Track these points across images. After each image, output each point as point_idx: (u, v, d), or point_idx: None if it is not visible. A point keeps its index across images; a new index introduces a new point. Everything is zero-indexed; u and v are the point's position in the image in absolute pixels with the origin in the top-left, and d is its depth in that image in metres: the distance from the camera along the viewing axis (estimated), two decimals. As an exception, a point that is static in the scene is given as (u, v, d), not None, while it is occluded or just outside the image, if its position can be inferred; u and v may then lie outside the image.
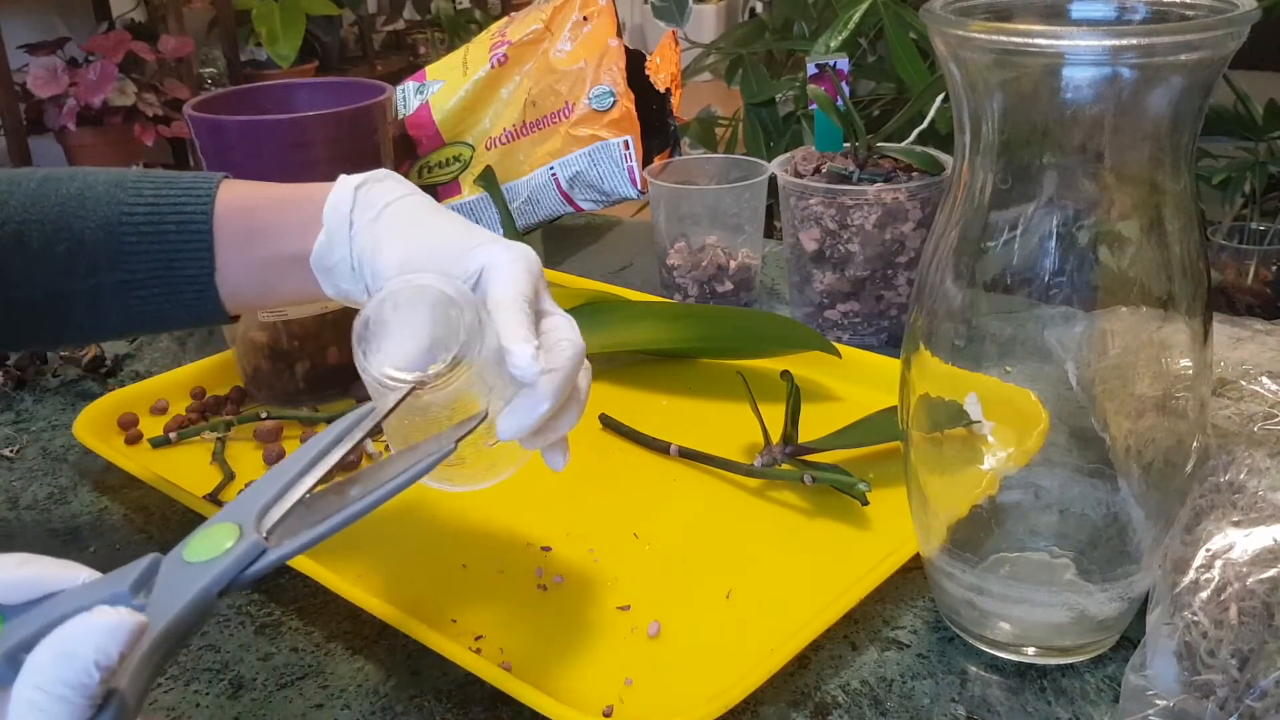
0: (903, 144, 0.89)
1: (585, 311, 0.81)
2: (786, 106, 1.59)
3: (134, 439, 0.78)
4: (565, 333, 0.52)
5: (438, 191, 1.10)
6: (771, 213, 1.29)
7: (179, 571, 0.39)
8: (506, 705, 0.53)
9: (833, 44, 1.35)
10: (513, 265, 0.52)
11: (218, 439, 0.76)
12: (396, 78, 1.13)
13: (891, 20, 1.35)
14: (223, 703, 0.55)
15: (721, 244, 0.94)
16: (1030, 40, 0.43)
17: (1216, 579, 0.48)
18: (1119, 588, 0.52)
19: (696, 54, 1.81)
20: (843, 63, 0.91)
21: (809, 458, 0.69)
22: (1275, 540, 0.48)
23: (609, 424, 0.77)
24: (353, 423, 0.45)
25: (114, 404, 0.80)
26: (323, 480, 0.43)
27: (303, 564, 0.60)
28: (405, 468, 0.44)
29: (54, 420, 0.83)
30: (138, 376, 0.89)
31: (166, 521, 0.70)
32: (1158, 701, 0.47)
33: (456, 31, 3.78)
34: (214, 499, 0.70)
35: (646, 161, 1.06)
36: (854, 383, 0.80)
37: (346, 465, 0.73)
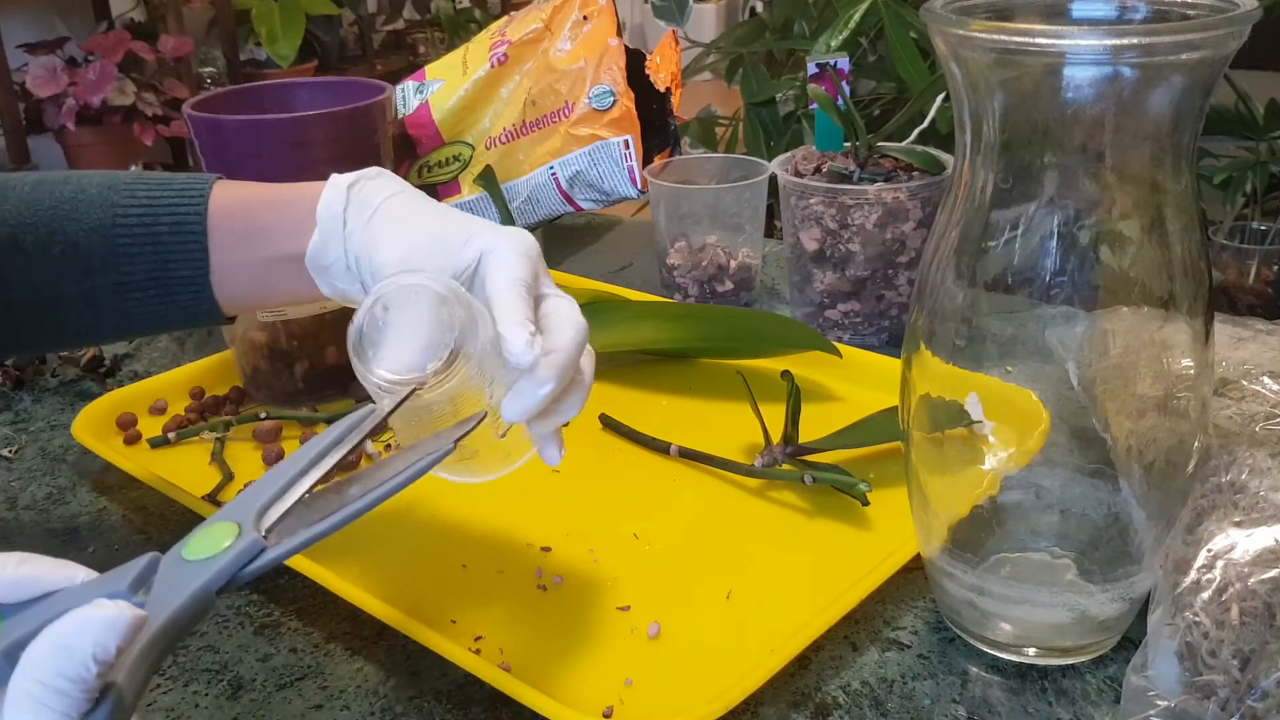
0: (903, 143, 0.88)
1: (585, 311, 0.80)
2: (787, 106, 1.59)
3: (133, 439, 0.77)
4: (566, 314, 0.52)
5: (438, 191, 1.10)
6: (772, 212, 1.28)
7: (178, 569, 0.39)
8: (506, 706, 0.53)
9: (833, 43, 1.35)
10: (509, 251, 0.52)
11: (217, 439, 0.76)
12: (396, 77, 1.13)
13: (892, 19, 1.35)
14: (222, 703, 0.55)
15: (722, 244, 0.94)
16: (1031, 40, 0.43)
17: (1218, 579, 0.48)
18: (1120, 588, 0.52)
19: (697, 53, 1.81)
20: (843, 62, 0.91)
21: (809, 458, 0.68)
22: (1277, 540, 0.48)
23: (609, 424, 0.76)
24: (353, 424, 0.45)
25: (113, 404, 0.80)
26: (322, 480, 0.43)
27: (302, 564, 0.60)
28: (404, 467, 0.44)
29: (53, 420, 0.83)
30: (136, 376, 0.89)
31: (165, 522, 0.70)
32: (1159, 702, 0.47)
33: (456, 31, 3.77)
34: (213, 499, 0.70)
35: (646, 161, 1.06)
36: (854, 383, 0.80)
37: (346, 465, 0.73)
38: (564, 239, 1.20)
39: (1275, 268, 1.27)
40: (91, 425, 0.76)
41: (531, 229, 1.10)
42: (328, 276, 0.57)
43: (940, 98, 0.94)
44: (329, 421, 0.78)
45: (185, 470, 0.73)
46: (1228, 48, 0.43)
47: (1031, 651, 0.54)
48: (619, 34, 1.08)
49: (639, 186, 1.06)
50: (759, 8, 2.06)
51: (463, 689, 0.55)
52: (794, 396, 0.69)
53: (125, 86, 2.73)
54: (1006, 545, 0.54)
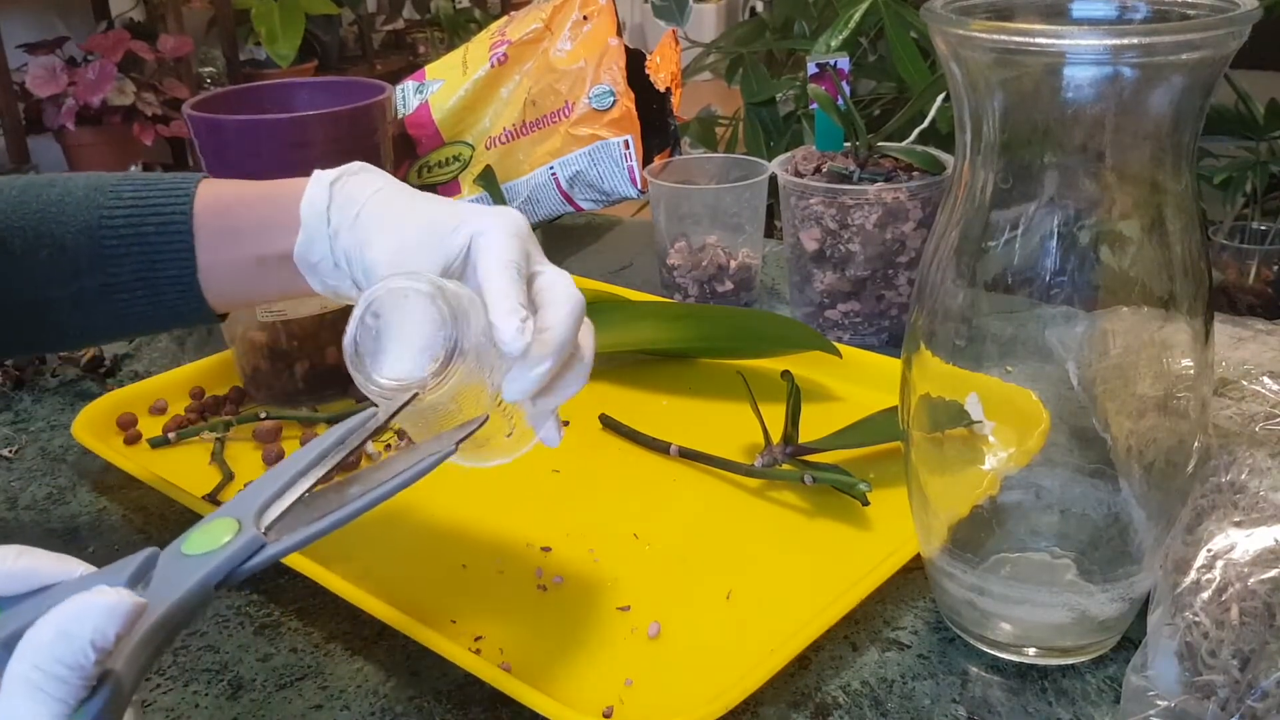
0: (903, 143, 0.88)
1: (585, 312, 0.81)
2: (787, 106, 1.59)
3: (133, 439, 0.77)
4: (560, 289, 0.52)
5: (437, 191, 1.10)
6: (772, 212, 1.28)
7: (177, 564, 0.39)
8: (506, 706, 0.53)
9: (833, 43, 1.35)
10: (498, 232, 0.52)
11: (217, 439, 0.76)
12: (396, 77, 1.13)
13: (892, 19, 1.35)
14: (222, 703, 0.55)
15: (722, 244, 0.94)
16: (1031, 39, 0.43)
17: (1218, 579, 0.48)
18: (1120, 588, 0.52)
19: (697, 53, 1.81)
20: (843, 62, 0.91)
21: (809, 458, 0.68)
22: (1276, 540, 0.48)
23: (609, 424, 0.76)
24: (355, 426, 0.45)
25: (113, 404, 0.80)
26: (322, 481, 0.43)
27: (302, 564, 0.60)
28: (404, 468, 0.44)
29: (53, 420, 0.83)
30: (136, 376, 0.89)
31: (165, 521, 0.70)
32: (1159, 702, 0.47)
33: (456, 31, 3.78)
34: (213, 499, 0.70)
35: (646, 161, 1.06)
36: (854, 383, 0.80)
37: (346, 466, 0.73)
38: (564, 239, 1.20)
39: (1275, 268, 1.27)
40: (91, 425, 0.76)
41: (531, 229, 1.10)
42: (317, 274, 0.57)
43: (940, 98, 0.94)
44: (329, 422, 0.78)
45: (185, 470, 0.73)
46: (1228, 48, 0.43)
47: (1031, 651, 0.54)
48: (619, 34, 1.08)
49: (639, 186, 1.06)
50: (759, 8, 2.06)
51: (463, 689, 0.55)
52: (794, 396, 0.69)
53: (125, 86, 2.73)
54: (1006, 545, 0.54)
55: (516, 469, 0.72)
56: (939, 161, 0.85)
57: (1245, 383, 0.59)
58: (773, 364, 0.80)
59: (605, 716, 0.51)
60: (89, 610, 0.34)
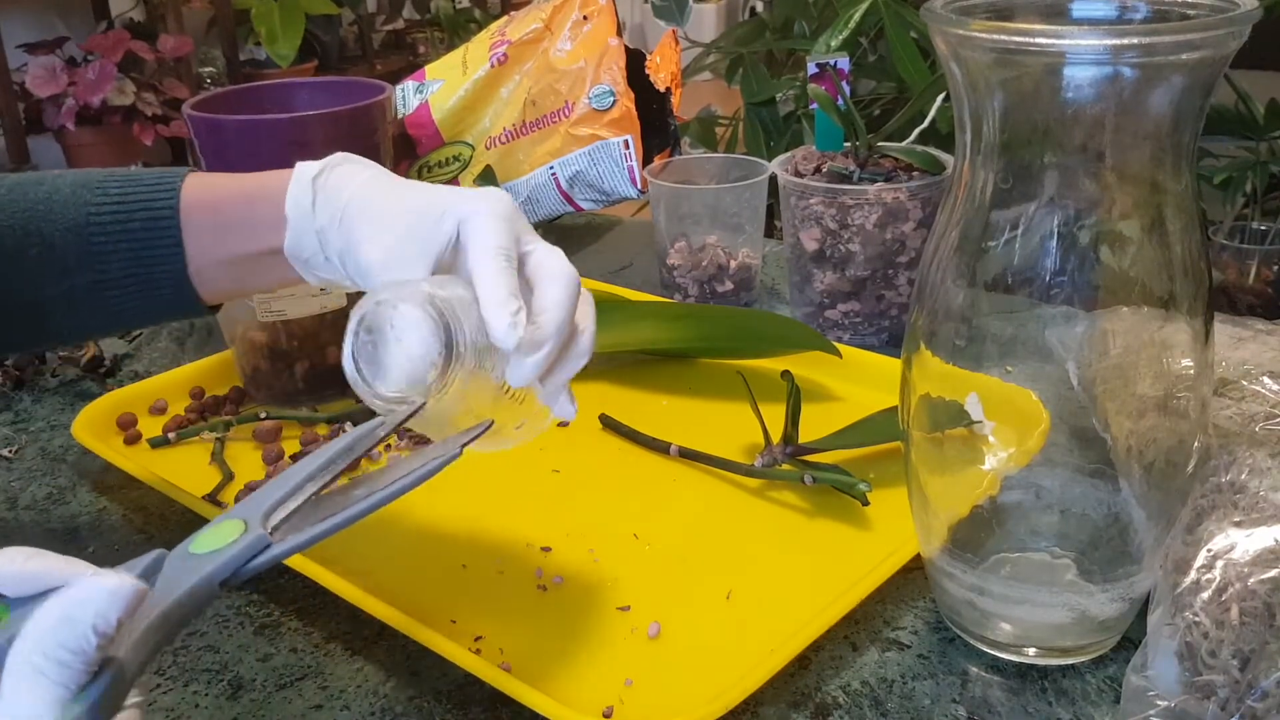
0: (903, 143, 0.88)
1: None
2: (787, 106, 1.59)
3: (133, 439, 0.77)
4: (553, 266, 0.52)
5: (437, 191, 1.09)
6: (772, 212, 1.28)
7: (184, 563, 0.39)
8: (506, 706, 0.53)
9: (833, 43, 1.35)
10: (485, 217, 0.51)
11: (217, 439, 0.76)
12: (396, 77, 1.13)
13: (892, 19, 1.35)
14: (222, 703, 0.55)
15: (722, 244, 0.94)
16: (1031, 39, 0.43)
17: (1218, 579, 0.48)
18: (1120, 588, 0.52)
19: (697, 53, 1.81)
20: (843, 62, 0.91)
21: (809, 458, 0.68)
22: (1276, 540, 0.48)
23: (609, 424, 0.76)
24: (363, 434, 0.45)
25: (113, 404, 0.80)
26: (327, 486, 0.43)
27: (303, 564, 0.60)
28: (409, 471, 0.44)
29: (53, 420, 0.83)
30: (136, 376, 0.89)
31: (165, 521, 0.70)
32: (1159, 702, 0.47)
33: (456, 31, 3.77)
34: (213, 499, 0.70)
35: (646, 161, 1.06)
36: (854, 383, 0.80)
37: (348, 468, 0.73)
38: (564, 239, 1.19)
39: (1275, 268, 1.27)
40: (91, 425, 0.76)
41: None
42: (309, 269, 0.57)
43: (940, 98, 0.94)
44: (329, 422, 0.78)
45: (185, 470, 0.73)
46: (1228, 48, 0.43)
47: (1031, 651, 0.54)
48: (619, 34, 1.08)
49: (639, 186, 1.06)
50: (759, 8, 2.06)
51: (463, 689, 0.55)
52: (794, 396, 0.69)
53: (125, 86, 2.73)
54: (1006, 545, 0.54)
55: (517, 469, 0.72)
56: (939, 161, 0.85)
57: (1245, 383, 0.59)
58: (773, 364, 0.80)
59: (605, 716, 0.51)
60: (92, 594, 0.34)
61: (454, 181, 1.10)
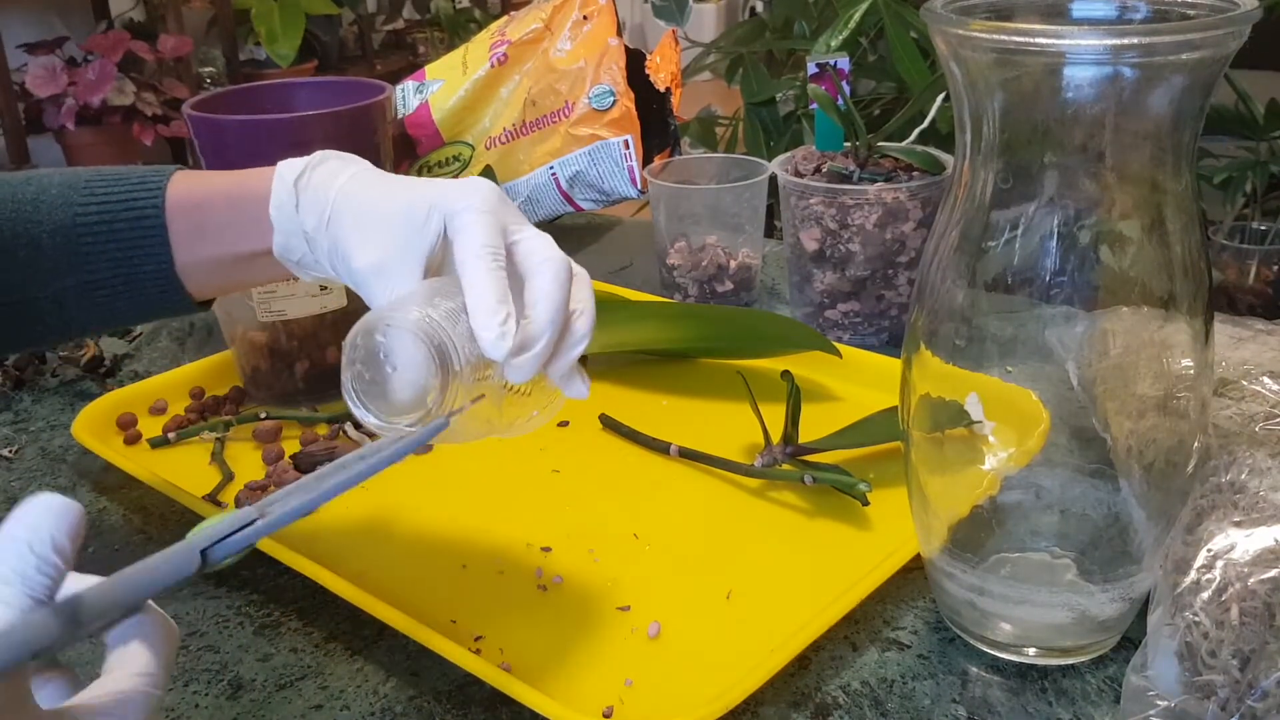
0: (903, 143, 0.88)
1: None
2: (787, 106, 1.59)
3: (133, 439, 0.77)
4: (542, 254, 0.51)
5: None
6: (772, 212, 1.28)
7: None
8: (506, 706, 0.53)
9: (833, 43, 1.35)
10: (470, 214, 0.51)
11: (217, 439, 0.76)
12: (396, 77, 1.13)
13: (892, 19, 1.35)
14: (222, 703, 0.55)
15: (722, 244, 0.94)
16: (1031, 39, 0.43)
17: (1218, 579, 0.48)
18: (1120, 588, 0.52)
19: (696, 53, 1.81)
20: (843, 62, 0.91)
21: (809, 458, 0.68)
22: (1276, 540, 0.48)
23: (609, 424, 0.76)
24: (379, 448, 0.45)
25: (113, 404, 0.80)
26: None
27: (302, 564, 0.60)
28: (397, 439, 0.43)
29: (53, 420, 0.83)
30: (136, 376, 0.89)
31: (165, 522, 0.70)
32: (1159, 702, 0.47)
33: (456, 31, 3.77)
34: (213, 499, 0.70)
35: (646, 161, 1.06)
36: (854, 383, 0.80)
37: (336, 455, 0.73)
38: (564, 239, 1.19)
39: (1275, 268, 1.27)
40: (91, 425, 0.76)
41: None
42: (302, 269, 0.57)
43: (940, 98, 0.94)
44: (329, 422, 0.78)
45: (185, 470, 0.73)
46: (1228, 48, 0.43)
47: (1031, 651, 0.54)
48: (619, 34, 1.08)
49: (639, 186, 1.06)
50: (759, 8, 2.06)
51: (463, 689, 0.55)
52: (794, 396, 0.69)
53: (125, 86, 2.73)
54: (1006, 545, 0.54)
55: (517, 469, 0.72)
56: (939, 161, 0.85)
57: (1245, 383, 0.59)
58: (773, 364, 0.80)
59: (605, 716, 0.51)
60: (27, 511, 0.35)
61: (454, 181, 1.10)
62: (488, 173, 1.05)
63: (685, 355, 0.86)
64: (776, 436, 0.70)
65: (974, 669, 0.55)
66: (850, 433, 0.70)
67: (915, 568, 0.59)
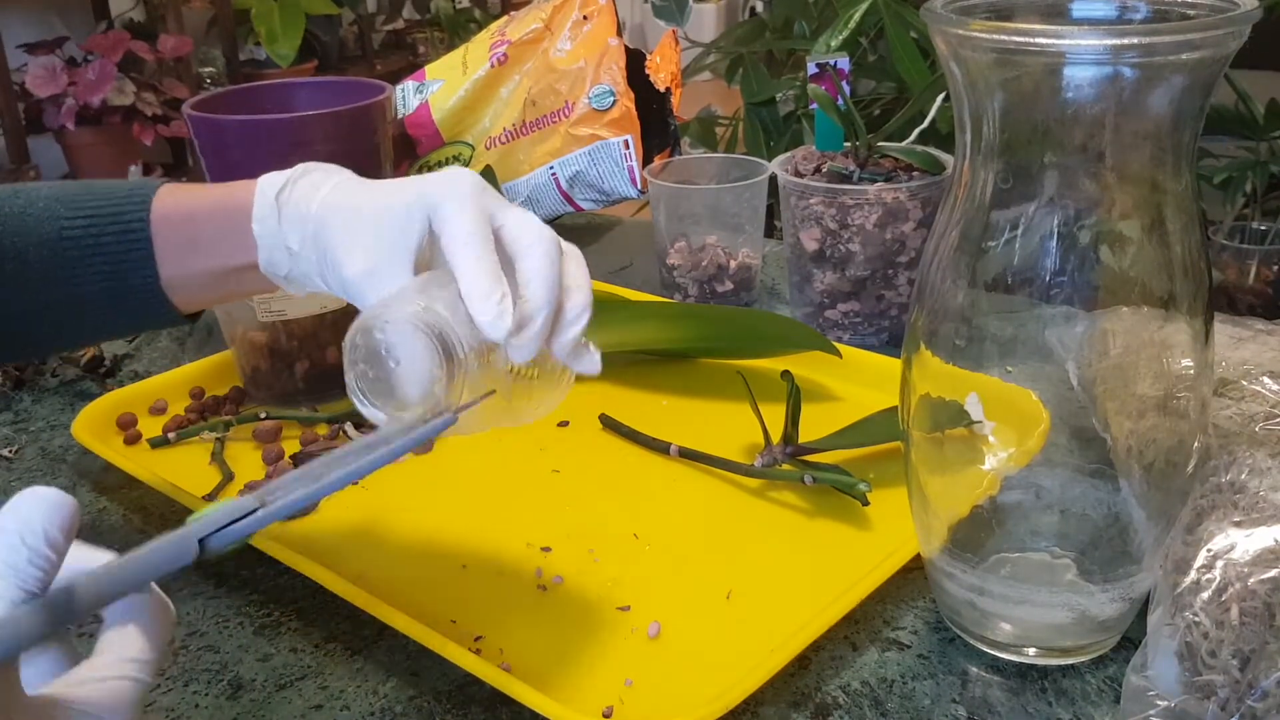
0: (903, 143, 0.88)
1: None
2: (787, 106, 1.59)
3: (133, 439, 0.77)
4: (527, 234, 0.51)
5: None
6: (772, 212, 1.28)
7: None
8: (506, 706, 0.53)
9: (833, 43, 1.35)
10: (452, 204, 0.50)
11: (217, 439, 0.76)
12: (396, 77, 1.13)
13: (892, 19, 1.35)
14: (221, 704, 0.55)
15: (721, 244, 0.94)
16: (1031, 39, 0.43)
17: (1218, 579, 0.48)
18: (1120, 588, 0.52)
19: (696, 53, 1.81)
20: (843, 62, 0.91)
21: (809, 458, 0.68)
22: (1276, 540, 0.48)
23: (609, 424, 0.76)
24: (386, 439, 0.44)
25: (113, 404, 0.80)
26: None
27: (302, 564, 0.60)
28: (402, 432, 0.43)
29: (53, 420, 0.83)
30: (136, 376, 0.89)
31: (165, 522, 0.70)
32: (1159, 702, 0.47)
33: (456, 31, 3.77)
34: (213, 499, 0.70)
35: (646, 161, 1.06)
36: (854, 383, 0.80)
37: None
38: (564, 239, 1.19)
39: (1275, 268, 1.27)
40: (91, 425, 0.76)
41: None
42: (289, 284, 0.56)
43: (940, 98, 0.95)
44: (329, 422, 0.78)
45: (185, 470, 0.73)
46: (1228, 48, 0.43)
47: (1031, 651, 0.54)
48: (619, 34, 1.08)
49: (639, 186, 1.06)
50: (759, 8, 2.06)
51: (463, 689, 0.55)
52: (794, 396, 0.69)
53: (125, 86, 2.73)
54: (1006, 545, 0.54)
55: (517, 469, 0.72)
56: (939, 161, 0.85)
57: (1245, 383, 0.59)
58: (773, 364, 0.80)
59: (605, 716, 0.51)
60: (18, 502, 0.35)
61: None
62: (488, 172, 1.05)
63: (685, 355, 0.86)
64: (776, 436, 0.70)
65: (974, 669, 0.55)
66: (850, 433, 0.70)
67: (915, 568, 0.59)
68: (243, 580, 0.64)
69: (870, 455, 0.70)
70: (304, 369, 0.80)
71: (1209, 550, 0.49)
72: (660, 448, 0.73)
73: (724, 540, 0.65)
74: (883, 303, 0.86)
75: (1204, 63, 0.43)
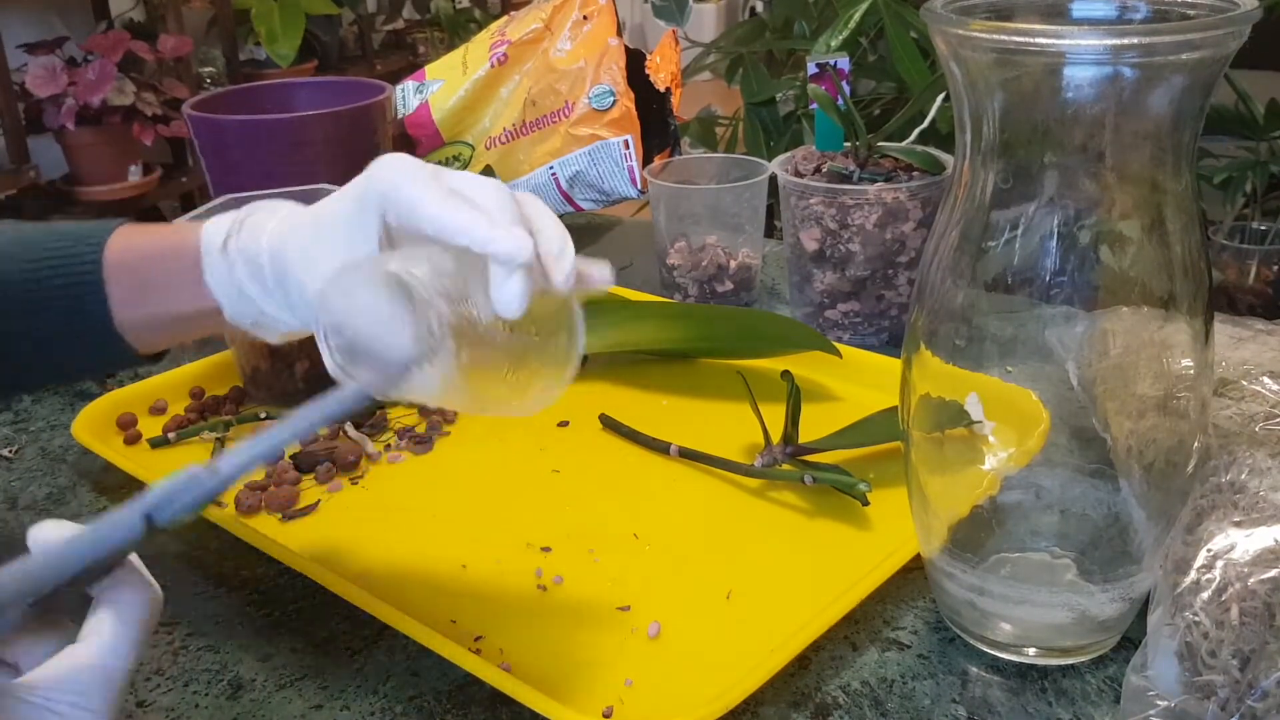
0: (903, 143, 0.88)
1: (585, 311, 0.80)
2: (787, 106, 1.59)
3: (133, 439, 0.77)
4: (474, 189, 0.49)
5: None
6: (772, 212, 1.28)
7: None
8: (506, 706, 0.53)
9: (833, 43, 1.35)
10: (402, 189, 0.49)
11: (216, 439, 0.76)
12: (396, 77, 1.13)
13: (892, 19, 1.35)
14: (221, 704, 0.55)
15: (722, 244, 0.94)
16: (1031, 39, 0.43)
17: (1218, 579, 0.48)
18: (1120, 588, 0.52)
19: (696, 53, 1.81)
20: (843, 62, 0.91)
21: (809, 458, 0.68)
22: (1276, 540, 0.48)
23: (609, 424, 0.76)
24: (338, 397, 0.42)
25: (113, 404, 0.80)
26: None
27: (302, 564, 0.60)
28: (356, 385, 0.43)
29: (53, 420, 0.83)
30: (136, 377, 0.88)
31: (166, 522, 0.70)
32: (1159, 702, 0.47)
33: (456, 31, 3.77)
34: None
35: (646, 161, 1.06)
36: (854, 383, 0.80)
37: (337, 454, 0.73)
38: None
39: (1275, 268, 1.27)
40: (91, 425, 0.76)
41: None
42: (260, 331, 0.55)
43: (940, 98, 0.95)
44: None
45: (185, 470, 0.73)
46: (1228, 48, 0.43)
47: (1031, 651, 0.54)
48: (619, 34, 1.08)
49: (639, 186, 1.06)
50: (759, 8, 2.06)
51: (463, 689, 0.55)
52: (794, 396, 0.69)
53: (125, 86, 2.73)
54: (1006, 545, 0.54)
55: (517, 469, 0.72)
56: (939, 161, 0.85)
57: (1245, 383, 0.59)
58: (773, 364, 0.80)
59: (605, 716, 0.51)
60: None
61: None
62: (488, 172, 1.05)
63: (685, 355, 0.86)
64: (776, 436, 0.70)
65: (974, 669, 0.55)
66: (850, 433, 0.70)
67: (915, 568, 0.59)
68: (243, 580, 0.64)
69: (870, 455, 0.70)
70: (304, 369, 0.80)
71: (1209, 550, 0.49)
72: (660, 448, 0.73)
73: (724, 540, 0.65)
74: (883, 303, 0.86)
75: (1204, 63, 0.43)
